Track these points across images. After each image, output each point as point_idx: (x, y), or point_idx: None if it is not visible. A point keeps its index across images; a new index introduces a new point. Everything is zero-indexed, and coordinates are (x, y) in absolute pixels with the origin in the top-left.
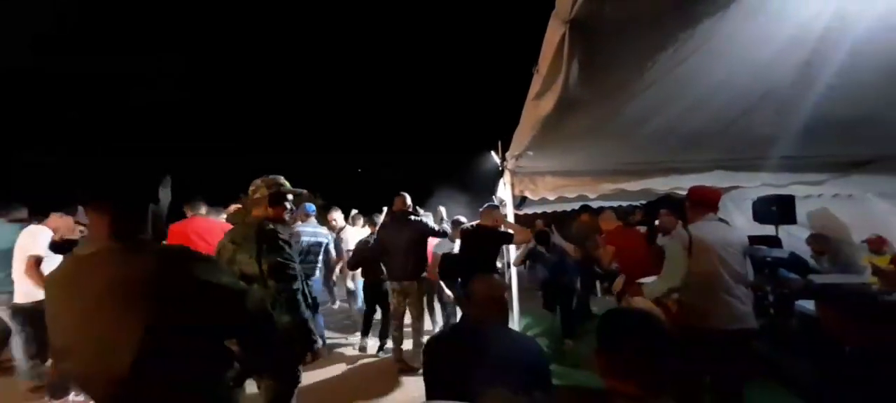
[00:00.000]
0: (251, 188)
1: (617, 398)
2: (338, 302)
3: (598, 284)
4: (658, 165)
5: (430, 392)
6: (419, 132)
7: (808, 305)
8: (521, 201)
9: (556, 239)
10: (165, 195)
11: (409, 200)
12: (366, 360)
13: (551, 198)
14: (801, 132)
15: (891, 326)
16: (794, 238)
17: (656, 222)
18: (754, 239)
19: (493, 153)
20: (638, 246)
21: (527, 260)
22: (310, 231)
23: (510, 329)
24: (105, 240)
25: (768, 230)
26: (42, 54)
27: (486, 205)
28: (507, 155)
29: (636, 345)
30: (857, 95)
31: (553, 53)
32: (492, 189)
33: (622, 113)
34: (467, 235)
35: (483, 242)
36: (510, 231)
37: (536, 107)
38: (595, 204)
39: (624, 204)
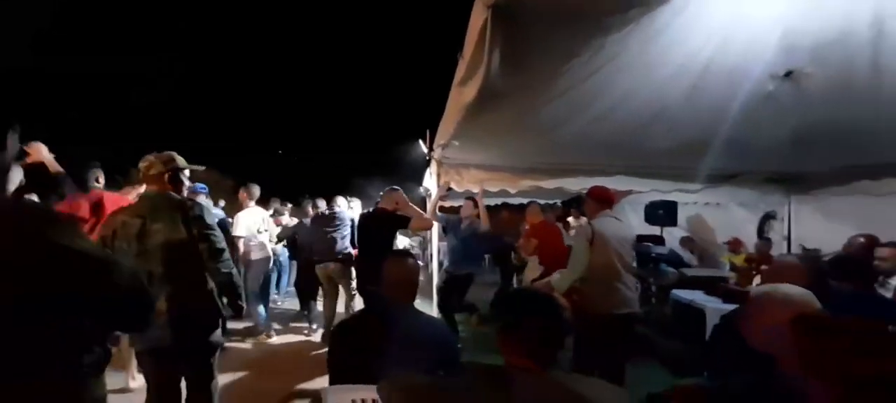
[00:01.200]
0: (143, 164)
1: (515, 372)
2: None
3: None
4: (571, 166)
5: (335, 377)
6: (348, 120)
7: (682, 294)
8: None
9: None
10: (13, 142)
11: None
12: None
13: (474, 190)
14: (686, 147)
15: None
16: (675, 238)
17: (569, 219)
18: (643, 238)
19: (421, 142)
20: (558, 241)
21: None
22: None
23: (419, 310)
24: None
25: (655, 230)
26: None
27: (387, 189)
28: (434, 144)
29: (532, 323)
30: (727, 119)
31: (476, 39)
32: (420, 178)
33: (541, 114)
34: (365, 219)
35: (378, 225)
36: (409, 215)
37: (460, 94)
38: (516, 201)
39: (540, 201)
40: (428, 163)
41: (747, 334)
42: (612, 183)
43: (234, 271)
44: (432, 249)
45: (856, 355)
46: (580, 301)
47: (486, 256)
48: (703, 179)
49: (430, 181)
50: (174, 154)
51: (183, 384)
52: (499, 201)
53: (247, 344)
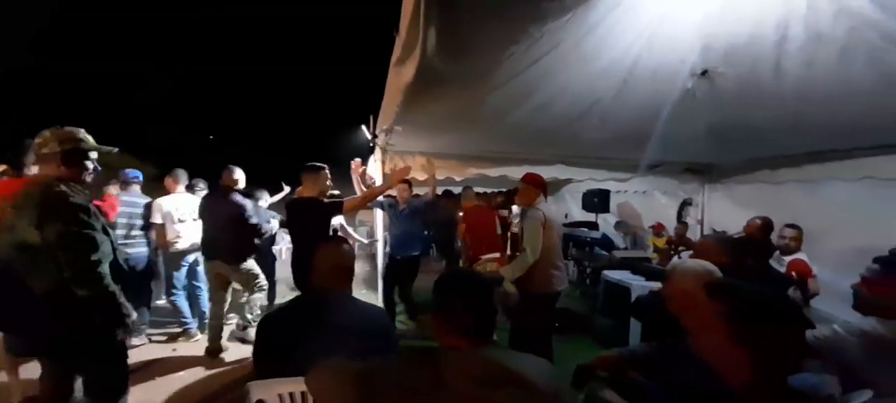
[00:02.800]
0: (38, 140)
1: (450, 353)
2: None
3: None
4: (514, 155)
5: (262, 371)
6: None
7: (612, 274)
8: None
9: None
10: None
11: (238, 176)
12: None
13: (420, 178)
14: (616, 138)
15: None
16: (609, 223)
17: (513, 207)
18: (580, 224)
19: (364, 127)
20: (487, 225)
21: None
22: (127, 200)
23: (354, 297)
24: None
25: (591, 217)
26: None
27: (308, 169)
28: (377, 130)
29: (463, 304)
30: (653, 112)
31: (411, 15)
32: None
33: (485, 103)
34: (289, 209)
35: (304, 215)
36: (337, 198)
37: (399, 75)
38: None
39: (489, 190)
40: (372, 150)
41: (666, 300)
42: (553, 171)
43: (104, 286)
44: (377, 236)
45: (758, 317)
46: (527, 282)
47: (433, 245)
48: (631, 169)
49: (374, 168)
50: (79, 131)
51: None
52: (441, 190)
53: (172, 345)
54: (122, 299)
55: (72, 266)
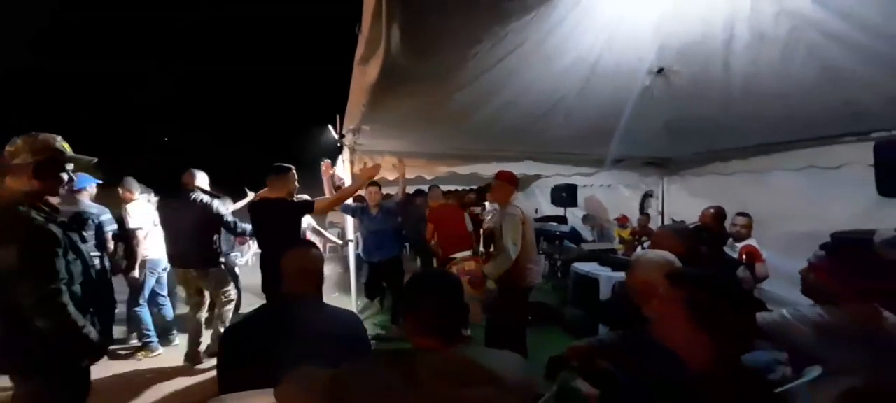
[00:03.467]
0: (9, 149)
1: (423, 354)
2: None
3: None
4: (483, 153)
5: (227, 384)
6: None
7: (581, 266)
8: None
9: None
10: None
11: (200, 178)
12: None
13: (391, 178)
14: (581, 134)
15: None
16: (577, 217)
17: (485, 204)
18: (550, 218)
19: (330, 127)
20: (455, 223)
21: None
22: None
23: (323, 302)
24: None
25: (560, 211)
26: None
27: (275, 171)
28: (344, 130)
29: (433, 303)
30: (615, 109)
31: (373, 11)
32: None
33: (453, 100)
34: (256, 210)
35: (272, 217)
36: (307, 198)
37: (363, 74)
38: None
39: (460, 187)
40: (340, 150)
41: (629, 289)
42: (521, 168)
43: (64, 316)
44: (350, 236)
45: (715, 302)
46: (505, 277)
47: (407, 245)
48: (596, 163)
49: (342, 169)
50: (55, 139)
51: None
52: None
53: (135, 359)
54: (88, 325)
55: (30, 295)
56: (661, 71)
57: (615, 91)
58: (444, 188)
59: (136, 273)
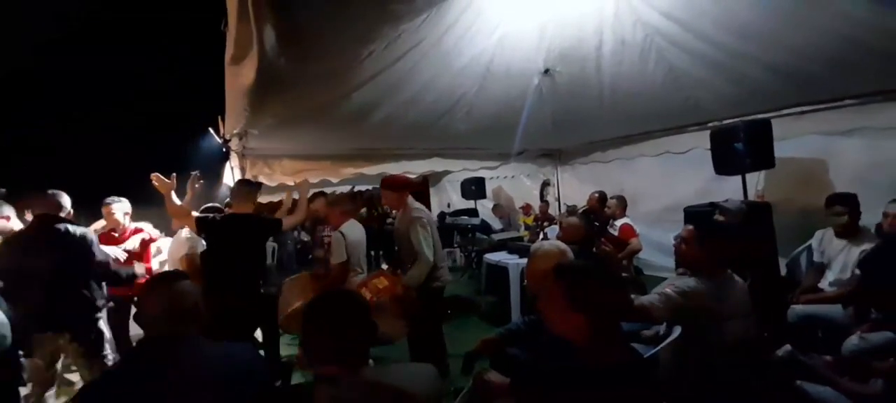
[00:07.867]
0: None
1: (325, 383)
2: None
3: None
4: (390, 152)
5: None
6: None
7: (492, 256)
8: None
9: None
10: None
11: (65, 201)
12: None
13: (290, 183)
14: (482, 129)
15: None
16: (487, 209)
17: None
18: (461, 212)
19: (212, 131)
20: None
21: None
22: None
23: (206, 341)
24: None
25: (470, 204)
26: None
27: (236, 185)
28: (228, 133)
29: (331, 327)
30: (510, 105)
31: (237, 11)
32: (217, 174)
33: (351, 100)
34: (215, 229)
35: (242, 235)
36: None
37: (237, 75)
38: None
39: (367, 188)
40: (226, 156)
41: (528, 280)
42: (430, 165)
43: None
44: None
45: (585, 283)
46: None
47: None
48: (499, 157)
49: (230, 177)
50: None
51: None
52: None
53: None
54: None
55: None
56: (547, 71)
57: (509, 89)
58: (362, 188)
59: None
